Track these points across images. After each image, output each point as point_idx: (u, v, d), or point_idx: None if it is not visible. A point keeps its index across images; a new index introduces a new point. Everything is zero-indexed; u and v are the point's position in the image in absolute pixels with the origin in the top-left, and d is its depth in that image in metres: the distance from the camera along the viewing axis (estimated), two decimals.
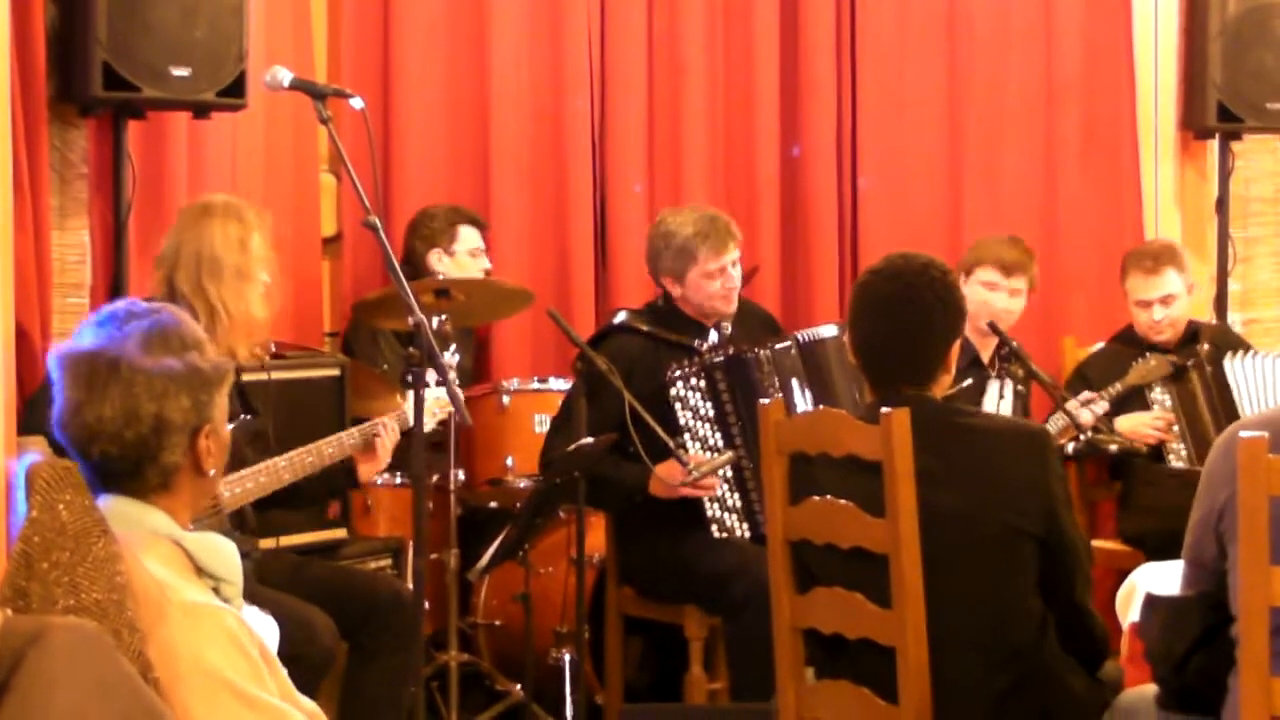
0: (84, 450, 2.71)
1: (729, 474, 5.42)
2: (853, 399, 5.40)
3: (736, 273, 5.62)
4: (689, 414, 5.45)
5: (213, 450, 2.79)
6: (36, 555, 2.51)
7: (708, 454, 5.41)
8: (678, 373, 5.46)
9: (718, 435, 5.46)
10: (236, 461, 4.64)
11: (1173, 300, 6.35)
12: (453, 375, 5.06)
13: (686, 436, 5.43)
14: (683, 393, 5.45)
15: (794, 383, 5.45)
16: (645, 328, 5.61)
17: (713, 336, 5.63)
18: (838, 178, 7.08)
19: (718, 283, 5.56)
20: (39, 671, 2.34)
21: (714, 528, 5.42)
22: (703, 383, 5.46)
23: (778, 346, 5.50)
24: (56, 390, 2.74)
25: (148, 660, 2.53)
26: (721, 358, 5.49)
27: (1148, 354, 6.25)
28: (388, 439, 4.95)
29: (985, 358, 6.12)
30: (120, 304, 2.83)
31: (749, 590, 5.11)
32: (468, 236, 6.21)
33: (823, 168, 7.03)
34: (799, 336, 5.58)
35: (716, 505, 5.43)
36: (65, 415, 2.72)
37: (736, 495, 5.45)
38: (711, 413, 5.46)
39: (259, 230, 4.93)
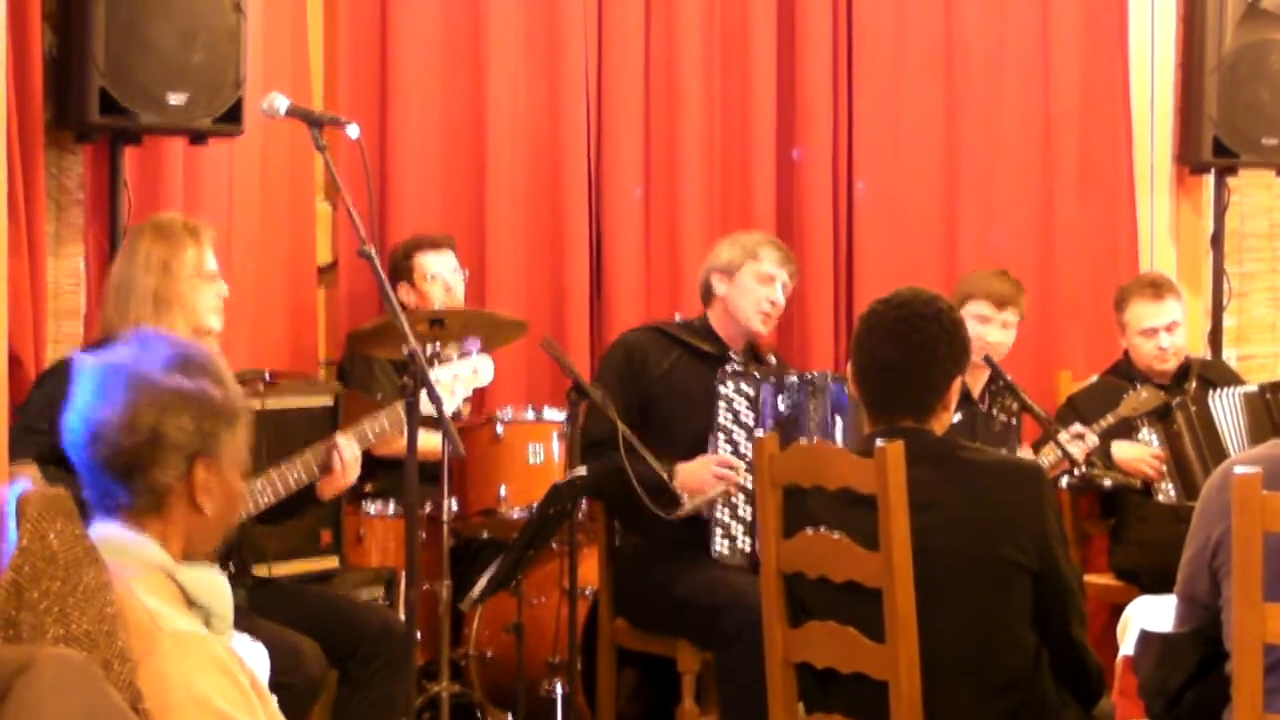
0: (82, 450, 2.72)
1: (750, 485, 5.38)
2: None
3: (781, 297, 5.67)
4: (729, 416, 5.46)
5: (212, 488, 2.77)
6: (27, 584, 2.50)
7: (736, 458, 5.41)
8: (731, 371, 5.50)
9: (748, 447, 5.43)
10: None
11: (1176, 328, 6.37)
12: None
13: (720, 436, 5.44)
14: (730, 393, 5.47)
15: (837, 419, 5.44)
16: (669, 330, 5.72)
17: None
18: (833, 206, 7.10)
19: (764, 290, 5.62)
20: (26, 702, 2.33)
21: (718, 532, 5.38)
22: (752, 391, 5.47)
23: (835, 380, 5.49)
24: (71, 393, 2.75)
25: (138, 691, 2.52)
26: (777, 375, 5.52)
27: (1139, 386, 6.24)
28: (345, 453, 4.89)
29: (975, 392, 6.11)
30: (152, 332, 2.86)
31: (742, 623, 5.08)
32: (424, 264, 6.19)
33: (819, 197, 7.04)
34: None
35: (727, 512, 5.41)
36: (74, 418, 2.73)
37: (751, 509, 5.39)
38: (750, 421, 5.47)
39: (194, 246, 4.80)
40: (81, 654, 2.43)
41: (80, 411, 2.73)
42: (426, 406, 4.55)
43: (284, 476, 4.79)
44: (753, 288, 5.63)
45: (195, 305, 4.79)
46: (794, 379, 5.51)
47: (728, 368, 5.55)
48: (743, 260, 5.65)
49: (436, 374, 4.80)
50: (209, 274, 4.83)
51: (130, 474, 2.72)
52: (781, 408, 5.44)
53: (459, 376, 5.09)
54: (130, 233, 4.97)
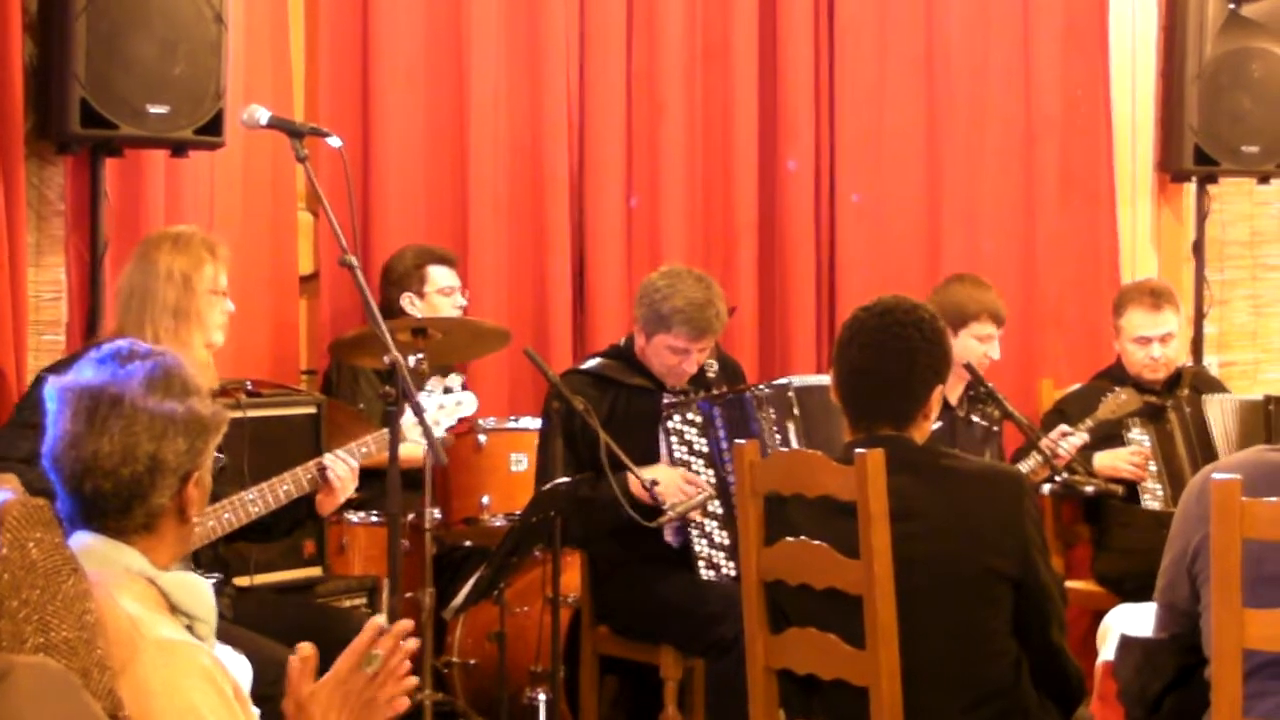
0: (76, 484, 2.71)
1: (719, 510, 5.39)
2: None
3: (695, 365, 5.52)
4: (683, 448, 5.43)
5: (195, 499, 2.79)
6: (6, 593, 2.50)
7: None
8: (673, 404, 5.45)
9: (709, 472, 5.42)
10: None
11: (1170, 339, 6.36)
12: (433, 413, 5.06)
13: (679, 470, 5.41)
14: (678, 426, 5.43)
15: (790, 427, 5.41)
16: (591, 367, 5.62)
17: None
18: (815, 219, 7.10)
19: (676, 359, 5.49)
20: (4, 711, 2.32)
21: (701, 564, 5.39)
22: (699, 418, 5.44)
23: (776, 388, 5.46)
24: (52, 421, 2.74)
25: (118, 699, 2.51)
26: (721, 395, 5.48)
27: (1118, 389, 6.22)
28: (338, 469, 4.90)
29: (954, 399, 6.09)
30: (121, 343, 2.83)
31: (738, 630, 5.06)
32: (436, 276, 6.19)
33: (801, 207, 7.05)
34: (793, 381, 5.55)
35: (705, 542, 5.40)
36: (60, 447, 2.72)
37: (726, 533, 5.41)
38: (705, 449, 5.44)
39: (211, 263, 4.84)
40: (60, 663, 2.44)
41: (71, 444, 2.71)
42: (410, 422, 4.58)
43: (273, 489, 4.80)
44: (665, 355, 5.50)
45: (209, 321, 4.83)
46: (737, 395, 5.46)
47: (665, 399, 5.49)
48: (655, 329, 5.47)
49: (424, 403, 4.80)
50: (222, 291, 4.88)
51: (130, 503, 2.72)
52: (733, 423, 5.41)
53: (444, 407, 5.12)
54: (146, 242, 4.94)
